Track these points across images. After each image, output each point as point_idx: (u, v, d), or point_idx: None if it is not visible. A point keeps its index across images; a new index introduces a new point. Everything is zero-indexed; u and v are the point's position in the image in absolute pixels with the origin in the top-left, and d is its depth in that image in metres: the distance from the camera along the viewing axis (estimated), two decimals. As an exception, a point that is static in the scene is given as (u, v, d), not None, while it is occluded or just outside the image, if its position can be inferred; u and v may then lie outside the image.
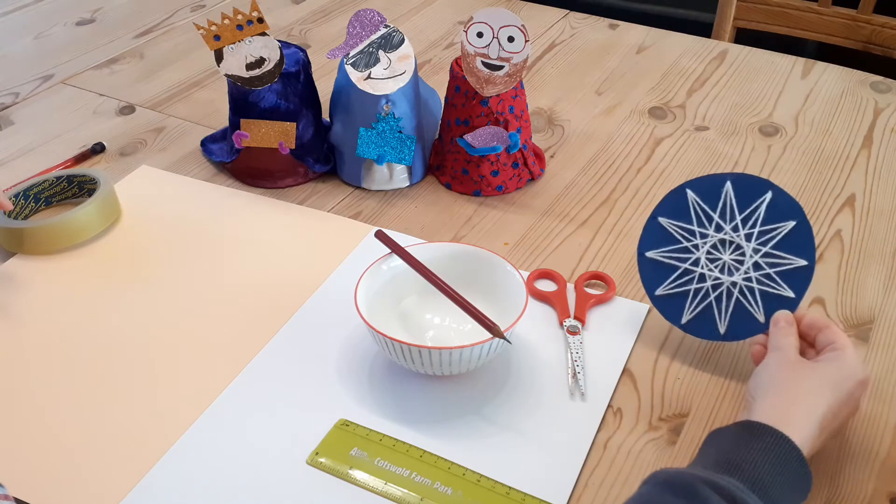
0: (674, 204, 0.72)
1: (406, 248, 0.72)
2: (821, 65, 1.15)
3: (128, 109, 1.06)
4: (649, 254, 0.72)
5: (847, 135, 1.00)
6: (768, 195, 0.69)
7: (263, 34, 0.85)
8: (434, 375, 0.68)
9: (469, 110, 0.87)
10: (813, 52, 1.61)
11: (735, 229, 0.70)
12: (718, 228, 0.70)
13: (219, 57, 0.86)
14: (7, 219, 0.83)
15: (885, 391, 0.69)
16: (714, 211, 0.70)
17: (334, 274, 0.80)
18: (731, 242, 0.70)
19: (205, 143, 0.98)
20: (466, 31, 0.84)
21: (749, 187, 0.70)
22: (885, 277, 0.80)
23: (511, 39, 0.82)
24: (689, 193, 0.71)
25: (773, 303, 0.68)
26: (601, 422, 0.66)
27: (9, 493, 0.57)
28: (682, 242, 0.71)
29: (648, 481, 0.53)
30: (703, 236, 0.70)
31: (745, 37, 1.40)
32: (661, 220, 0.72)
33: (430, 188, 0.92)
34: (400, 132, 0.88)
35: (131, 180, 0.93)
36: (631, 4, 1.93)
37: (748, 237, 0.69)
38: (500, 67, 0.84)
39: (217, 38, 0.85)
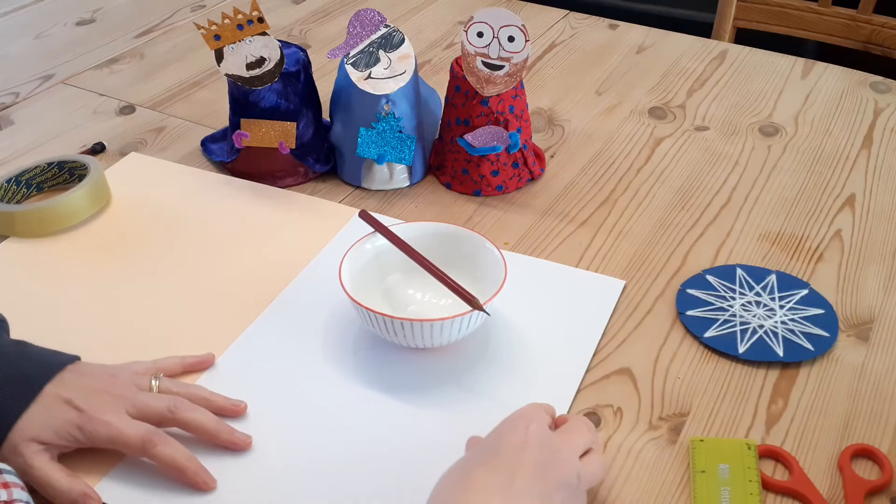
0: (697, 281, 0.78)
1: (389, 227, 0.74)
2: (821, 65, 1.15)
3: (128, 109, 1.06)
4: (689, 312, 0.75)
5: (847, 135, 1.00)
6: (773, 276, 0.79)
7: (264, 34, 0.85)
8: (417, 348, 0.70)
9: (469, 110, 0.87)
10: (813, 52, 1.61)
11: (758, 294, 0.77)
12: (742, 295, 0.77)
13: (219, 57, 0.86)
14: None
15: (885, 391, 0.69)
16: (734, 284, 0.78)
17: (320, 254, 0.82)
18: (759, 302, 0.76)
19: (205, 143, 0.98)
20: (466, 31, 0.84)
21: (755, 272, 0.79)
22: (885, 277, 0.80)
23: (511, 39, 0.82)
24: (709, 277, 0.78)
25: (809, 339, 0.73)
26: (601, 422, 0.66)
27: (19, 479, 0.57)
28: (714, 304, 0.76)
29: None
30: (733, 298, 0.76)
31: (745, 37, 1.40)
32: (690, 290, 0.77)
33: (431, 188, 0.92)
34: (400, 132, 0.88)
35: (121, 167, 0.95)
36: (631, 4, 1.93)
37: (771, 299, 0.76)
38: (501, 67, 0.84)
39: (217, 37, 0.85)
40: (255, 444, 0.64)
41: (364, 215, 0.76)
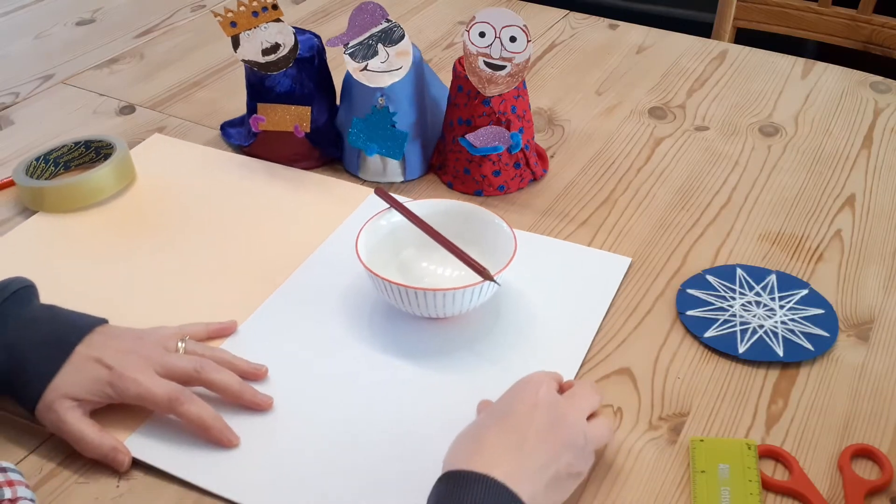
0: (697, 281, 0.79)
1: (404, 204, 0.77)
2: (821, 65, 1.15)
3: (128, 109, 1.06)
4: (689, 312, 0.75)
5: (847, 135, 1.01)
6: (773, 276, 0.79)
7: (278, 20, 0.88)
8: (430, 318, 0.73)
9: (471, 110, 0.87)
10: (813, 52, 1.61)
11: (758, 294, 0.77)
12: (742, 295, 0.77)
13: (235, 43, 0.89)
14: (30, 179, 0.88)
15: (885, 391, 0.69)
16: (734, 284, 0.78)
17: (338, 230, 0.85)
18: (759, 302, 0.76)
19: (224, 128, 1.01)
20: (469, 31, 0.84)
21: (755, 272, 0.79)
22: (885, 277, 0.80)
23: (513, 39, 0.82)
24: (709, 277, 0.78)
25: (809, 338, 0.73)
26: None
27: (23, 478, 0.58)
28: (714, 304, 0.76)
29: None
30: (733, 298, 0.76)
31: (745, 37, 1.40)
32: (690, 290, 0.77)
33: (432, 187, 0.92)
34: (393, 126, 0.88)
35: (145, 147, 0.98)
36: (631, 4, 1.93)
37: (771, 299, 0.76)
38: (503, 67, 0.84)
39: (233, 24, 0.88)
40: (275, 405, 0.67)
41: (380, 192, 0.78)
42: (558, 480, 0.56)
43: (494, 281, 0.70)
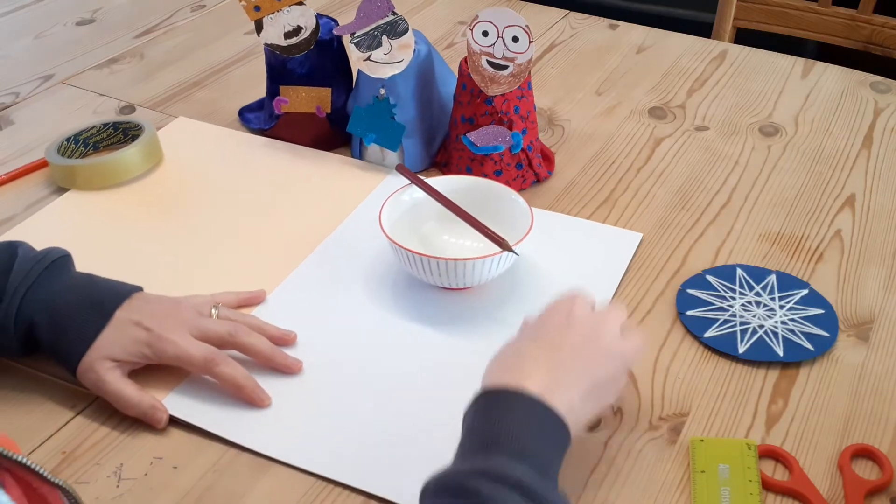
0: (697, 281, 0.79)
1: (424, 180, 0.79)
2: (821, 65, 1.15)
3: (128, 109, 1.06)
4: (689, 312, 0.75)
5: (847, 135, 1.01)
6: (773, 276, 0.79)
7: (300, 3, 0.90)
8: (452, 288, 0.75)
9: (474, 108, 0.87)
10: (813, 52, 1.61)
11: (758, 294, 0.77)
12: (742, 295, 0.77)
13: (259, 27, 0.91)
14: (62, 158, 0.92)
15: (885, 391, 0.69)
16: (734, 284, 0.78)
17: (360, 206, 0.88)
18: (759, 302, 0.76)
19: (242, 113, 1.03)
20: (472, 30, 0.84)
21: (755, 272, 0.79)
22: (885, 277, 0.80)
23: (515, 40, 0.82)
24: (709, 277, 0.79)
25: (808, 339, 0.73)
26: (601, 423, 0.66)
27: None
28: (714, 304, 0.76)
29: (424, 495, 0.52)
30: (733, 298, 0.76)
31: (745, 37, 1.40)
32: (690, 290, 0.78)
33: (431, 188, 0.92)
34: (392, 118, 0.89)
35: (170, 129, 1.01)
36: (631, 4, 1.93)
37: (771, 299, 0.76)
38: (505, 67, 0.84)
39: (257, 8, 0.90)
40: (304, 368, 0.70)
41: (401, 169, 0.81)
42: (595, 390, 0.58)
43: (513, 251, 0.72)
